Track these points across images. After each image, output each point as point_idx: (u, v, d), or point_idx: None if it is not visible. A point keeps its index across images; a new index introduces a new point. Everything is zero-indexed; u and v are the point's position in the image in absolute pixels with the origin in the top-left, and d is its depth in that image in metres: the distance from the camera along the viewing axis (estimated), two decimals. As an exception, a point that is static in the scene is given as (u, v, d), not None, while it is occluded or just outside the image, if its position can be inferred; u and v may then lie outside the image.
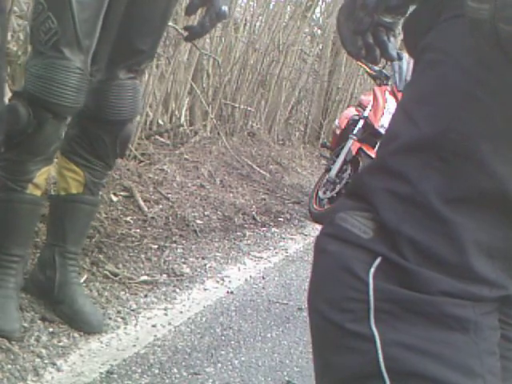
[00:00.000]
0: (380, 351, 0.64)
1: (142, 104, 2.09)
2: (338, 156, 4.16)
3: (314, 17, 6.92)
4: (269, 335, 2.18)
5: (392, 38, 0.82)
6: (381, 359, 0.63)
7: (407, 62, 4.10)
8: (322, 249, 0.70)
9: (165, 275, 2.47)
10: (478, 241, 0.65)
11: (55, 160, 1.96)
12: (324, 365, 0.70)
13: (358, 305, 0.65)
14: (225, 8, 1.76)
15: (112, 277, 2.29)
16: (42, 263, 1.98)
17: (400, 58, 1.04)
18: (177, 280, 2.46)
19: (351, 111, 4.62)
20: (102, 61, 1.82)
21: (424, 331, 0.64)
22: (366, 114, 4.13)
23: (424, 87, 0.69)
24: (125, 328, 1.98)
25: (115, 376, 1.69)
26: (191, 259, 2.73)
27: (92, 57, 1.73)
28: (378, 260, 0.65)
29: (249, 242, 3.23)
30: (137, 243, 2.66)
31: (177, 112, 4.39)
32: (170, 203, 3.27)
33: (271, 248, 3.25)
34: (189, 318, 2.17)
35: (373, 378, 0.64)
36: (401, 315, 0.64)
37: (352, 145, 4.04)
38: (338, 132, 4.52)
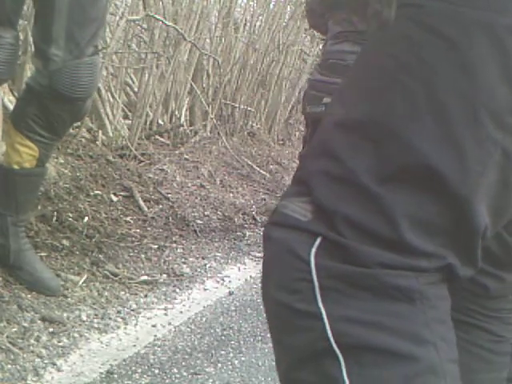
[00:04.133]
0: (328, 327, 0.66)
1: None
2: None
3: (314, 17, 6.91)
4: (269, 335, 2.18)
5: None
6: (330, 335, 0.66)
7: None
8: (268, 236, 0.72)
9: (165, 275, 2.47)
10: (410, 216, 0.67)
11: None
12: (280, 349, 0.74)
13: (304, 284, 0.67)
14: None
15: (112, 277, 2.28)
16: None
17: None
18: (177, 280, 2.46)
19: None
20: (60, 39, 1.82)
21: (370, 304, 0.66)
22: None
23: (354, 71, 0.74)
24: (125, 328, 1.98)
25: (115, 376, 1.69)
26: (191, 259, 2.73)
27: (46, 37, 1.80)
28: (319, 240, 0.68)
29: (249, 242, 3.23)
30: (137, 243, 2.66)
31: (177, 112, 4.39)
32: (170, 203, 3.26)
33: (271, 248, 3.24)
34: (189, 318, 2.17)
35: (326, 355, 0.66)
36: (345, 291, 0.66)
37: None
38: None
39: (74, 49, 1.84)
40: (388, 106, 0.68)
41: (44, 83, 1.87)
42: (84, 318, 1.97)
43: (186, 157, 4.09)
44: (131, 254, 2.54)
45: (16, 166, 1.98)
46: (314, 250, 0.67)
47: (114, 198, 2.97)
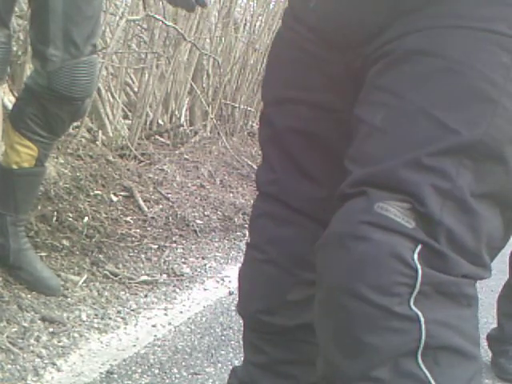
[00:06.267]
0: (423, 329, 0.71)
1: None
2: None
3: (314, 17, 6.91)
4: (269, 335, 2.18)
5: None
6: (423, 337, 0.71)
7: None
8: (364, 236, 0.73)
9: (165, 275, 2.47)
10: (488, 232, 0.75)
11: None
12: (359, 348, 0.74)
13: (405, 288, 0.71)
14: None
15: (112, 277, 2.28)
16: None
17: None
18: (177, 280, 2.46)
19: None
20: (58, 39, 1.81)
21: (449, 308, 0.73)
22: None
23: (448, 94, 0.76)
24: (125, 328, 1.98)
25: (115, 376, 1.69)
26: (191, 259, 2.73)
27: (43, 38, 1.79)
28: (420, 246, 0.72)
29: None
30: (137, 243, 2.66)
31: (177, 112, 4.39)
32: (170, 203, 3.26)
33: (271, 248, 3.24)
34: (189, 318, 2.17)
35: (409, 356, 0.71)
36: (432, 295, 0.72)
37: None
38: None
39: (72, 48, 1.83)
40: (497, 129, 0.74)
41: (42, 83, 1.86)
42: (84, 318, 1.97)
43: (186, 157, 4.09)
44: (131, 254, 2.54)
45: (15, 166, 1.98)
46: (416, 256, 0.72)
47: (114, 198, 2.97)
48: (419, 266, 0.71)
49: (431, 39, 0.77)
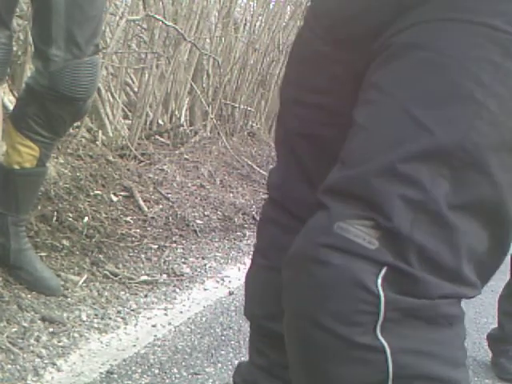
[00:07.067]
0: (390, 360, 0.65)
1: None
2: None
3: (314, 17, 6.91)
4: (269, 335, 2.18)
5: None
6: (390, 368, 0.65)
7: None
8: (322, 261, 0.67)
9: (165, 275, 2.47)
10: (469, 246, 0.67)
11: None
12: (323, 377, 0.70)
13: (367, 317, 0.65)
14: None
15: (112, 277, 2.28)
16: None
17: None
18: (177, 280, 2.46)
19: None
20: (60, 39, 1.80)
21: (423, 333, 0.66)
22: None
23: (430, 90, 0.68)
24: (125, 328, 1.98)
25: (115, 376, 1.69)
26: (191, 259, 2.73)
27: (45, 38, 1.78)
28: (384, 269, 0.65)
29: (249, 242, 3.23)
30: (137, 243, 2.66)
31: (177, 112, 4.39)
32: (170, 203, 3.26)
33: (271, 248, 3.24)
34: (189, 318, 2.16)
35: None
36: (404, 322, 0.66)
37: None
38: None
39: (74, 49, 1.82)
40: (478, 133, 0.66)
41: (44, 84, 1.85)
42: (84, 318, 1.97)
43: (186, 157, 4.09)
44: (131, 254, 2.54)
45: (16, 166, 1.98)
46: (379, 281, 0.65)
47: (114, 198, 2.97)
48: (382, 293, 0.65)
49: (423, 33, 0.70)
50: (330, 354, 0.68)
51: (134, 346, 1.89)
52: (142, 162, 3.63)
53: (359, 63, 0.79)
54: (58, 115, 1.92)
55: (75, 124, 2.20)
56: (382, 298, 0.65)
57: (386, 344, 0.65)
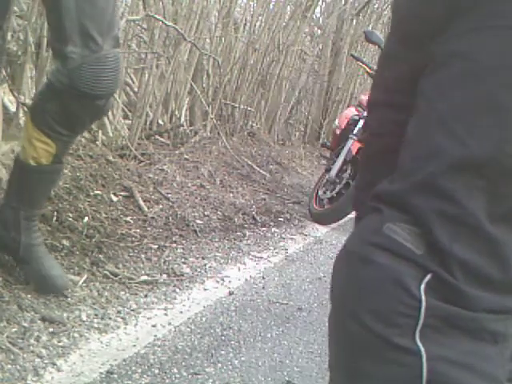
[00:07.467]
0: (425, 366, 0.65)
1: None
2: (338, 156, 4.16)
3: (314, 17, 6.91)
4: (269, 335, 2.18)
5: None
6: (424, 373, 0.65)
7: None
8: (369, 259, 0.69)
9: (165, 275, 2.47)
10: None
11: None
12: (357, 374, 0.71)
13: (407, 320, 0.66)
14: None
15: (112, 277, 2.28)
16: (4, 223, 2.03)
17: None
18: (177, 280, 2.46)
19: (351, 111, 4.62)
20: (75, 35, 1.75)
21: (464, 345, 0.66)
22: (366, 113, 4.12)
23: (467, 102, 0.68)
24: (125, 328, 1.98)
25: (115, 376, 1.70)
26: (191, 259, 2.73)
27: (60, 36, 1.75)
28: (429, 276, 0.66)
29: (249, 241, 3.23)
30: (137, 243, 2.66)
31: (177, 112, 4.39)
32: (170, 203, 3.27)
33: (271, 248, 3.25)
34: (189, 318, 2.17)
35: None
36: (444, 330, 0.66)
37: (352, 145, 4.04)
38: (337, 132, 4.52)
39: (90, 43, 1.76)
40: (510, 145, 0.66)
41: (64, 81, 1.80)
42: (84, 318, 1.97)
43: (186, 157, 4.09)
44: (131, 254, 2.54)
45: (32, 162, 1.94)
46: (423, 286, 0.66)
47: (114, 198, 2.97)
48: (424, 298, 0.66)
49: (470, 41, 0.70)
50: (366, 352, 0.69)
51: (134, 345, 1.89)
52: (141, 162, 3.63)
53: (420, 63, 0.79)
54: (78, 114, 1.87)
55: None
56: (423, 303, 0.66)
57: (422, 349, 0.66)
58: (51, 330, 1.84)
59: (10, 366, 1.62)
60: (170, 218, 3.09)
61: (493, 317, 0.67)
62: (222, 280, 2.60)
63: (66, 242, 2.37)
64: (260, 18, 5.44)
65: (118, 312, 2.07)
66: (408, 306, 0.66)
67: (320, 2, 6.80)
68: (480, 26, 0.70)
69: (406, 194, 0.69)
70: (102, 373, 1.69)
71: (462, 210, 0.66)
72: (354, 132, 4.09)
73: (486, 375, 0.67)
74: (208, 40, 4.70)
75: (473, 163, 0.66)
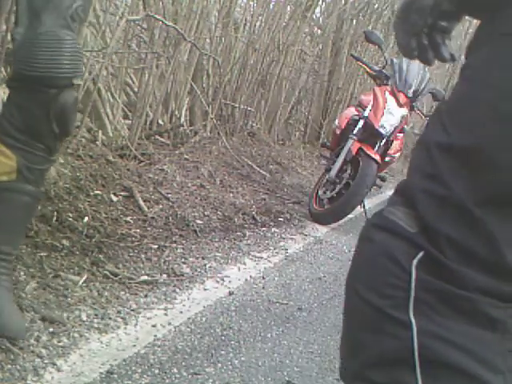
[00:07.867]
0: (416, 339, 0.68)
1: (82, 64, 1.71)
2: (338, 156, 4.16)
3: (314, 17, 6.92)
4: (269, 335, 2.18)
5: (447, 41, 0.87)
6: (415, 347, 0.68)
7: (407, 63, 4.10)
8: (368, 237, 0.75)
9: (165, 275, 2.47)
10: (508, 238, 0.69)
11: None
12: (356, 345, 0.75)
13: (399, 292, 0.70)
14: None
15: (112, 277, 2.28)
16: None
17: (453, 59, 1.06)
18: (177, 280, 2.46)
19: (351, 111, 4.62)
20: (24, 15, 1.57)
21: (458, 325, 0.69)
22: (366, 113, 4.13)
23: (457, 98, 0.74)
24: (125, 328, 1.98)
25: (115, 376, 1.69)
26: (191, 259, 2.73)
27: (16, 21, 1.59)
28: (421, 254, 0.70)
29: (249, 241, 3.23)
30: (137, 243, 2.66)
31: (177, 112, 4.39)
32: (170, 203, 3.27)
33: (271, 248, 3.25)
34: (189, 318, 2.17)
35: (403, 364, 0.69)
36: (438, 308, 0.69)
37: (352, 145, 4.04)
38: (337, 132, 4.52)
39: (34, 20, 1.56)
40: (491, 139, 0.69)
41: (13, 69, 1.60)
42: (84, 318, 1.97)
43: (186, 157, 4.09)
44: (131, 254, 2.54)
45: None
46: (415, 262, 0.69)
47: (114, 198, 2.97)
48: (414, 271, 0.69)
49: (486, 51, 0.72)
50: (366, 324, 0.73)
51: (134, 345, 1.89)
52: (141, 161, 3.63)
53: None
54: (28, 107, 1.60)
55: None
56: (413, 276, 0.69)
57: (414, 322, 0.68)
58: (51, 329, 1.84)
59: (9, 366, 1.62)
60: (170, 218, 3.09)
61: (489, 300, 0.68)
62: (222, 280, 2.60)
63: (65, 242, 2.37)
64: (260, 18, 5.44)
65: (118, 312, 2.07)
66: (398, 277, 0.70)
67: (320, 2, 6.81)
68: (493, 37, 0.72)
69: (407, 180, 0.75)
70: (101, 373, 1.69)
71: (448, 191, 0.69)
72: (354, 132, 4.09)
73: (480, 358, 0.68)
74: (208, 40, 4.71)
75: (453, 150, 0.70)
